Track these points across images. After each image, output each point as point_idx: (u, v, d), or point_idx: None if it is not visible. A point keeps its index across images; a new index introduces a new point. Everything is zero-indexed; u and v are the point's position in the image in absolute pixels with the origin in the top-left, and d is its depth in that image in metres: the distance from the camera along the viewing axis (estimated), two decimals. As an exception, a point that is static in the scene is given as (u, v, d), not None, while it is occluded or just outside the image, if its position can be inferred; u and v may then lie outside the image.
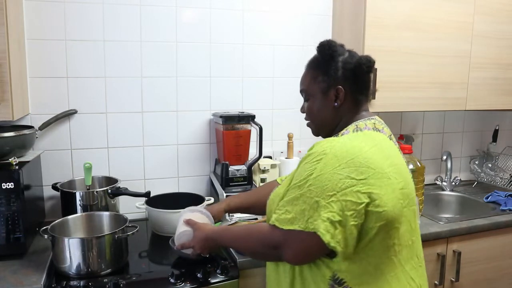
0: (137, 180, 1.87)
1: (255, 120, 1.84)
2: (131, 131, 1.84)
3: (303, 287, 1.01)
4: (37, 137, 1.66)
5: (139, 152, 1.87)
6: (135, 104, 1.84)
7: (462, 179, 2.42)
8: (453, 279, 1.77)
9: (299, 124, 2.05)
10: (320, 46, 1.10)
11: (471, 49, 1.97)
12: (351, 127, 1.07)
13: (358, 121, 1.08)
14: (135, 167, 1.87)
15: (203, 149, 1.97)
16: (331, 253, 0.94)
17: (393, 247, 0.96)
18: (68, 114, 1.74)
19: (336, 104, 1.08)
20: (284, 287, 1.05)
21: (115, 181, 1.71)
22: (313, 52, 1.15)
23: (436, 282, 1.74)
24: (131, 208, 1.75)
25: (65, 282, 1.24)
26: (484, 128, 2.53)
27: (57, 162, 1.76)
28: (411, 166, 1.85)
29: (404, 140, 2.25)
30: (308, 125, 1.18)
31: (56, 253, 1.30)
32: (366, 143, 0.98)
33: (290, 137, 1.98)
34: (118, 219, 1.47)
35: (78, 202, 1.58)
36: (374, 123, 1.08)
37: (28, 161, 1.49)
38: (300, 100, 1.20)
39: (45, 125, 1.68)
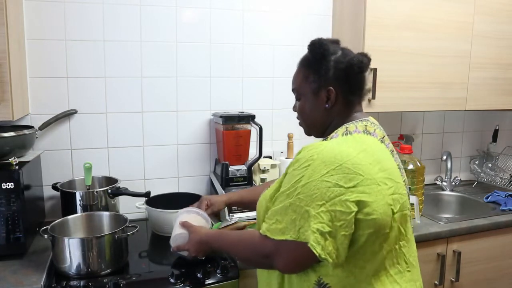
0: (137, 180, 1.87)
1: (255, 120, 1.84)
2: (131, 131, 1.84)
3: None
4: (37, 137, 1.66)
5: (139, 152, 1.87)
6: (135, 104, 1.84)
7: (462, 179, 2.42)
8: (453, 279, 1.77)
9: (299, 124, 2.05)
10: (311, 44, 1.08)
11: (471, 49, 1.97)
12: (341, 129, 1.05)
13: (349, 123, 1.05)
14: (135, 167, 1.87)
15: (203, 149, 1.97)
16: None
17: (380, 252, 0.95)
18: (68, 114, 1.74)
19: (327, 105, 1.06)
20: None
21: (115, 181, 1.71)
22: (312, 52, 1.14)
23: (436, 282, 1.74)
24: (131, 208, 1.75)
25: (65, 282, 1.24)
26: (484, 128, 2.53)
27: (57, 162, 1.76)
28: (411, 166, 1.85)
29: (404, 140, 2.25)
30: (300, 124, 1.17)
31: (56, 253, 1.30)
32: (355, 147, 0.96)
33: (290, 137, 1.98)
34: (118, 219, 1.47)
35: (78, 202, 1.58)
36: (366, 125, 1.05)
37: (28, 161, 1.49)
38: (300, 100, 1.20)
39: (45, 125, 1.68)
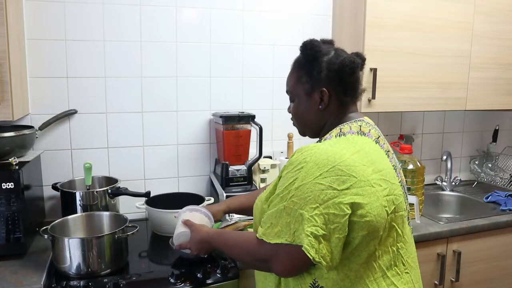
0: (137, 180, 1.87)
1: (255, 120, 1.84)
2: (131, 131, 1.84)
3: None
4: (37, 137, 1.66)
5: (139, 152, 1.87)
6: (135, 104, 1.84)
7: (462, 179, 2.42)
8: (453, 279, 1.77)
9: (299, 124, 2.05)
10: (302, 46, 1.07)
11: (471, 49, 1.97)
12: (335, 131, 1.04)
13: (344, 124, 1.05)
14: (135, 167, 1.87)
15: (203, 149, 1.97)
16: None
17: (375, 253, 0.95)
18: (68, 114, 1.74)
19: (320, 106, 1.06)
20: None
21: (115, 181, 1.71)
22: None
23: (436, 282, 1.74)
24: (131, 208, 1.75)
25: (65, 282, 1.25)
26: (484, 128, 2.53)
27: (57, 162, 1.76)
28: (411, 166, 1.85)
29: (404, 140, 2.25)
30: (294, 125, 1.17)
31: (56, 253, 1.30)
32: (348, 149, 0.95)
33: (290, 137, 1.98)
34: (118, 219, 1.47)
35: (78, 202, 1.58)
36: (360, 126, 1.04)
37: (28, 161, 1.49)
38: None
39: (45, 125, 1.68)
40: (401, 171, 1.08)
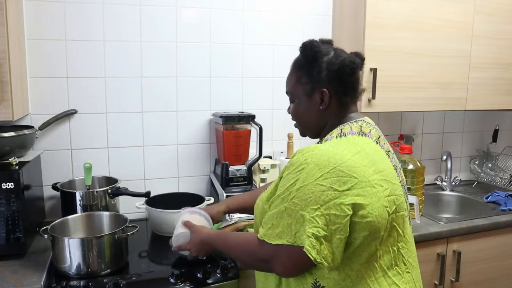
0: (137, 180, 1.87)
1: (255, 120, 1.84)
2: (131, 131, 1.84)
3: None
4: (37, 137, 1.66)
5: (139, 152, 1.87)
6: (135, 104, 1.84)
7: (462, 179, 2.42)
8: (453, 279, 1.77)
9: (299, 124, 2.05)
10: (302, 46, 1.07)
11: (471, 49, 1.97)
12: (335, 131, 1.04)
13: (344, 124, 1.04)
14: (135, 167, 1.87)
15: (203, 149, 1.97)
16: None
17: (376, 253, 0.95)
18: (68, 114, 1.74)
19: (321, 107, 1.05)
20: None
21: (115, 181, 1.71)
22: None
23: (436, 282, 1.74)
24: (131, 208, 1.75)
25: (65, 282, 1.24)
26: (484, 128, 2.53)
27: (57, 162, 1.76)
28: (411, 166, 1.85)
29: (404, 140, 2.25)
30: (295, 126, 1.17)
31: (56, 253, 1.30)
32: (349, 150, 0.95)
33: (290, 137, 1.98)
34: (118, 219, 1.47)
35: (78, 202, 1.58)
36: (361, 126, 1.04)
37: (28, 161, 1.49)
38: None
39: (45, 125, 1.68)
40: (401, 171, 1.08)
